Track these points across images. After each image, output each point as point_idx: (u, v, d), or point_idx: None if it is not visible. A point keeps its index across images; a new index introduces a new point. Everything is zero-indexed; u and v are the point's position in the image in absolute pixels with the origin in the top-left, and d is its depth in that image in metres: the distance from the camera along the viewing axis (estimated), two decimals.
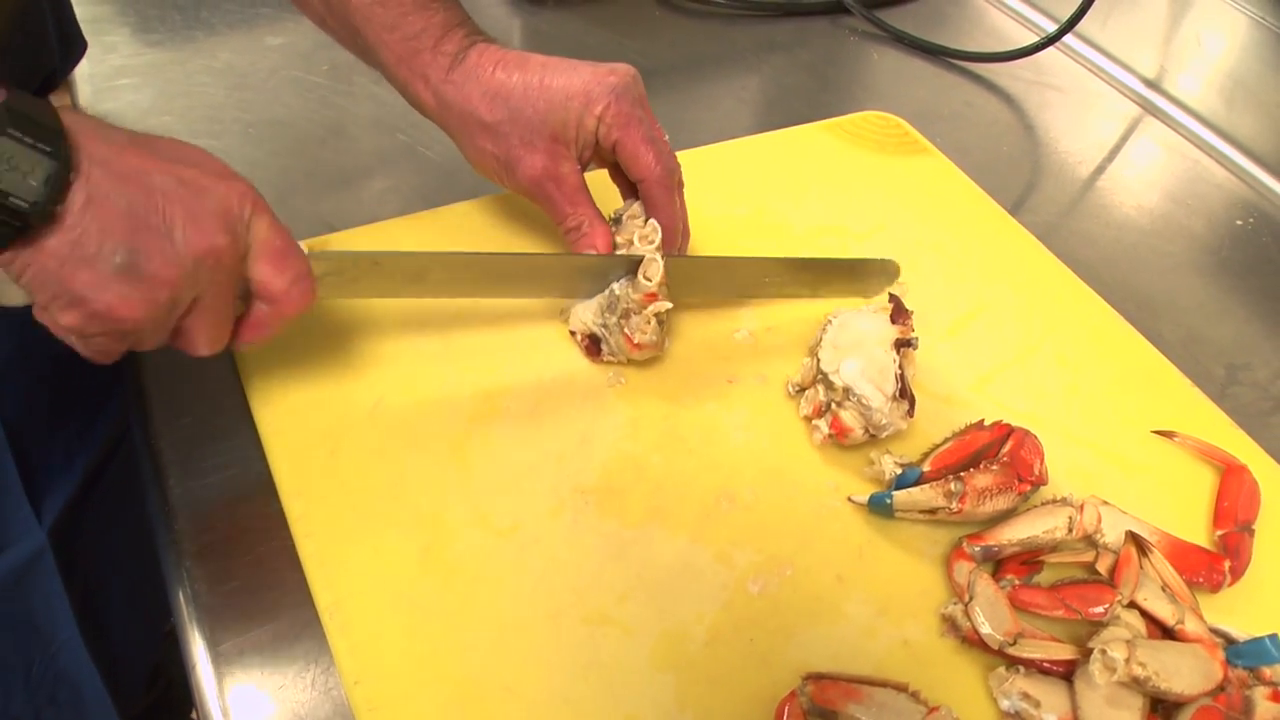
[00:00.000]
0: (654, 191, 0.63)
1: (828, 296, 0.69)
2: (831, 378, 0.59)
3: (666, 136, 0.64)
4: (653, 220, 0.62)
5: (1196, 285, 0.79)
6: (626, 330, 0.61)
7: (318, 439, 0.58)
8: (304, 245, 0.53)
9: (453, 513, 0.55)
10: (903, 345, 0.60)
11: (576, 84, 0.61)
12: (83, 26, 0.90)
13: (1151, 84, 0.98)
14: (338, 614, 0.51)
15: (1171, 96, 0.97)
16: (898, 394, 0.59)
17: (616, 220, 0.65)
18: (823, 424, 0.60)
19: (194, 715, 0.51)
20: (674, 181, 0.63)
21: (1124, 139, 0.94)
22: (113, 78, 0.86)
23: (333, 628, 0.50)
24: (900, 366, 0.59)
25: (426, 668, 0.49)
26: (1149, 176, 0.90)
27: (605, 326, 0.63)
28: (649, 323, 0.61)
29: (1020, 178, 0.87)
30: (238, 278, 0.50)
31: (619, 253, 0.63)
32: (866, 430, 0.59)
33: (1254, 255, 0.83)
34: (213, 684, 0.51)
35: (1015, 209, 0.82)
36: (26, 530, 0.65)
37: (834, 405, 0.59)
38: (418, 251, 0.59)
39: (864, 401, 0.58)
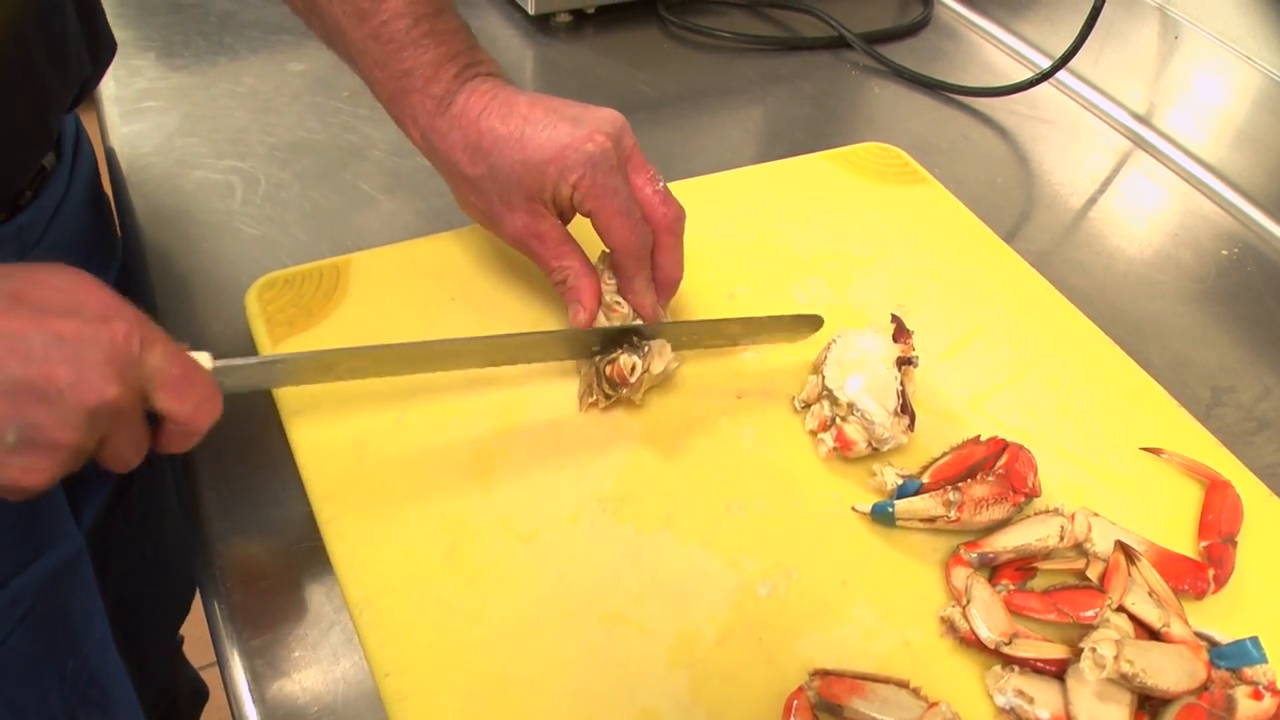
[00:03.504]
0: (625, 264, 0.62)
1: (760, 344, 0.70)
2: (836, 393, 0.62)
3: (663, 183, 0.63)
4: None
5: (1183, 312, 0.82)
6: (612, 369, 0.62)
7: (345, 448, 0.60)
8: (205, 358, 0.51)
9: (476, 519, 0.58)
10: (904, 363, 0.63)
11: (552, 148, 0.59)
12: None
13: (1142, 119, 1.02)
14: (368, 611, 0.53)
15: (1161, 132, 1.00)
16: (899, 409, 0.61)
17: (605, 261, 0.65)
18: (828, 437, 0.63)
19: None
20: (646, 254, 0.62)
21: (1115, 172, 0.97)
22: (139, 100, 0.89)
23: (363, 623, 0.53)
24: (902, 383, 0.62)
25: (453, 661, 0.52)
26: (1139, 208, 0.93)
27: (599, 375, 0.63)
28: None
29: (1015, 207, 0.91)
30: (141, 410, 0.47)
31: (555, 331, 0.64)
32: (869, 443, 0.62)
33: (1239, 284, 0.86)
34: (246, 680, 0.53)
35: (1010, 237, 0.85)
36: (66, 533, 0.66)
37: (838, 420, 0.62)
38: (320, 351, 0.58)
39: (867, 416, 0.61)
